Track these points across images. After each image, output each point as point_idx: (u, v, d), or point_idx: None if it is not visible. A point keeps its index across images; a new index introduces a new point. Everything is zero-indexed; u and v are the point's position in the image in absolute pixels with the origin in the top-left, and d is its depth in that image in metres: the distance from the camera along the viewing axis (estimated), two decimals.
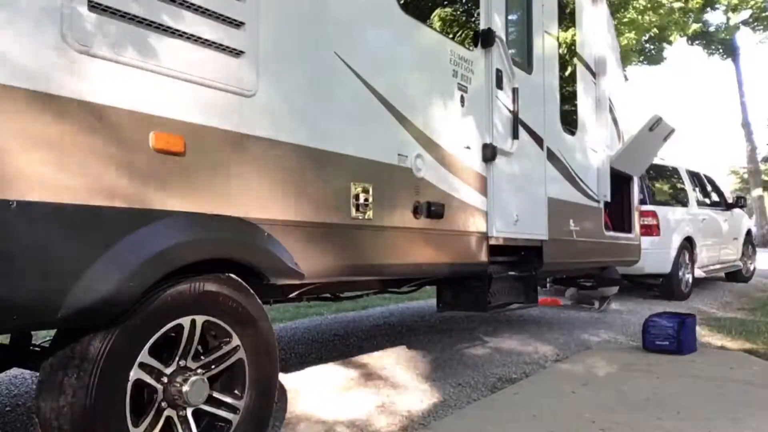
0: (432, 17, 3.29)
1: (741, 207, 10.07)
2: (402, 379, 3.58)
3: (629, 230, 5.89)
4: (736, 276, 9.91)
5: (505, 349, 4.46)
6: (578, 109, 4.94)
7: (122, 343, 1.76)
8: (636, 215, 6.08)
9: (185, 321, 1.95)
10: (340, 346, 4.57)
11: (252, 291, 2.19)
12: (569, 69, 4.87)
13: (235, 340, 2.13)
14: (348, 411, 2.96)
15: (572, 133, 4.80)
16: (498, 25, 3.67)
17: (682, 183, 8.67)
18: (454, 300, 3.78)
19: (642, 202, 6.89)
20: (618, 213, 5.81)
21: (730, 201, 9.82)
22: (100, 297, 1.64)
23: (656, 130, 5.37)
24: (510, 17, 3.89)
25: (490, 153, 3.55)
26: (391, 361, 4.03)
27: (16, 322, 1.59)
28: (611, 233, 5.46)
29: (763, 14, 19.99)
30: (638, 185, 6.28)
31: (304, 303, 6.71)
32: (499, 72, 3.67)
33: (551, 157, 4.32)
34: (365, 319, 5.98)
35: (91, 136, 1.70)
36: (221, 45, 2.07)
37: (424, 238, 3.07)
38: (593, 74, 5.21)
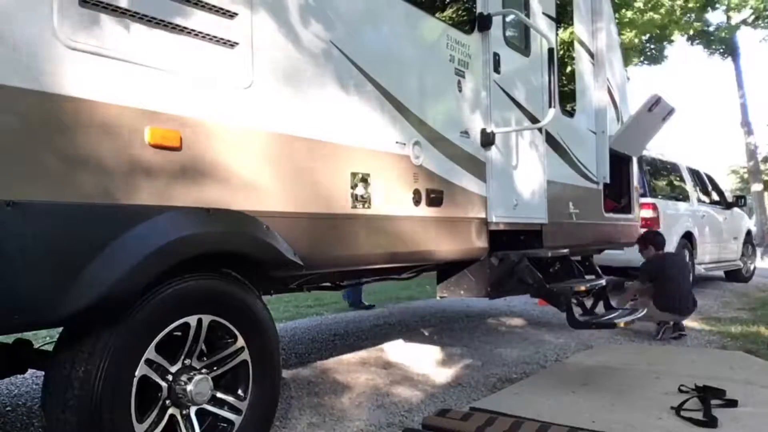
0: (428, 2, 3.25)
1: (741, 206, 9.99)
2: (401, 380, 3.59)
3: (629, 211, 5.87)
4: (736, 276, 9.83)
5: (505, 349, 4.46)
6: (577, 91, 4.91)
7: (130, 339, 1.78)
8: (635, 195, 6.06)
9: (192, 320, 1.96)
10: (340, 346, 4.57)
11: (258, 294, 2.20)
12: (567, 51, 4.81)
13: (240, 342, 2.14)
14: (347, 411, 2.98)
15: (571, 115, 4.77)
16: (495, 8, 3.63)
17: (683, 179, 8.59)
18: (454, 286, 3.78)
19: (642, 195, 6.82)
20: (617, 194, 5.79)
21: (730, 200, 9.73)
22: (100, 295, 1.64)
23: (655, 110, 5.32)
24: None
25: (488, 138, 3.54)
26: (391, 361, 4.04)
27: (18, 322, 1.59)
28: (611, 214, 5.44)
29: (765, 12, 19.70)
30: (637, 168, 6.23)
31: (304, 303, 6.76)
32: (496, 56, 3.63)
33: (550, 139, 4.30)
34: (365, 319, 5.97)
35: (85, 133, 1.68)
36: (214, 37, 2.05)
37: (424, 225, 3.06)
38: (591, 55, 5.16)
